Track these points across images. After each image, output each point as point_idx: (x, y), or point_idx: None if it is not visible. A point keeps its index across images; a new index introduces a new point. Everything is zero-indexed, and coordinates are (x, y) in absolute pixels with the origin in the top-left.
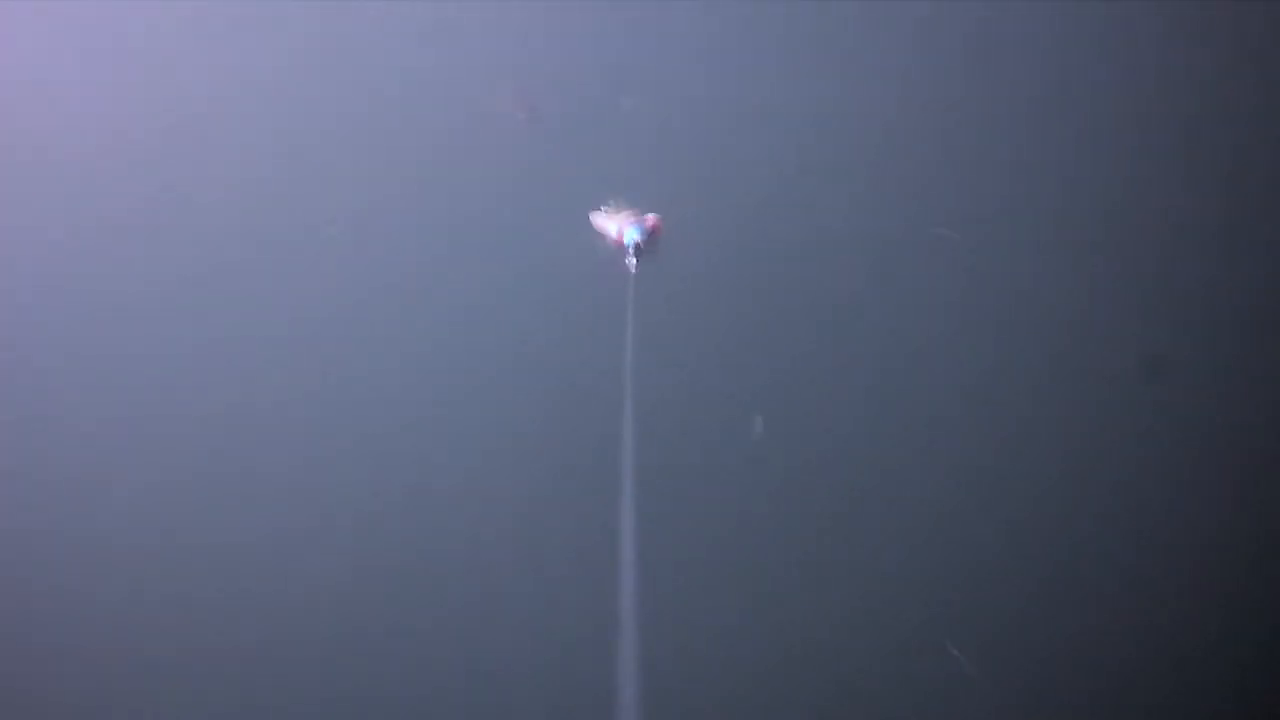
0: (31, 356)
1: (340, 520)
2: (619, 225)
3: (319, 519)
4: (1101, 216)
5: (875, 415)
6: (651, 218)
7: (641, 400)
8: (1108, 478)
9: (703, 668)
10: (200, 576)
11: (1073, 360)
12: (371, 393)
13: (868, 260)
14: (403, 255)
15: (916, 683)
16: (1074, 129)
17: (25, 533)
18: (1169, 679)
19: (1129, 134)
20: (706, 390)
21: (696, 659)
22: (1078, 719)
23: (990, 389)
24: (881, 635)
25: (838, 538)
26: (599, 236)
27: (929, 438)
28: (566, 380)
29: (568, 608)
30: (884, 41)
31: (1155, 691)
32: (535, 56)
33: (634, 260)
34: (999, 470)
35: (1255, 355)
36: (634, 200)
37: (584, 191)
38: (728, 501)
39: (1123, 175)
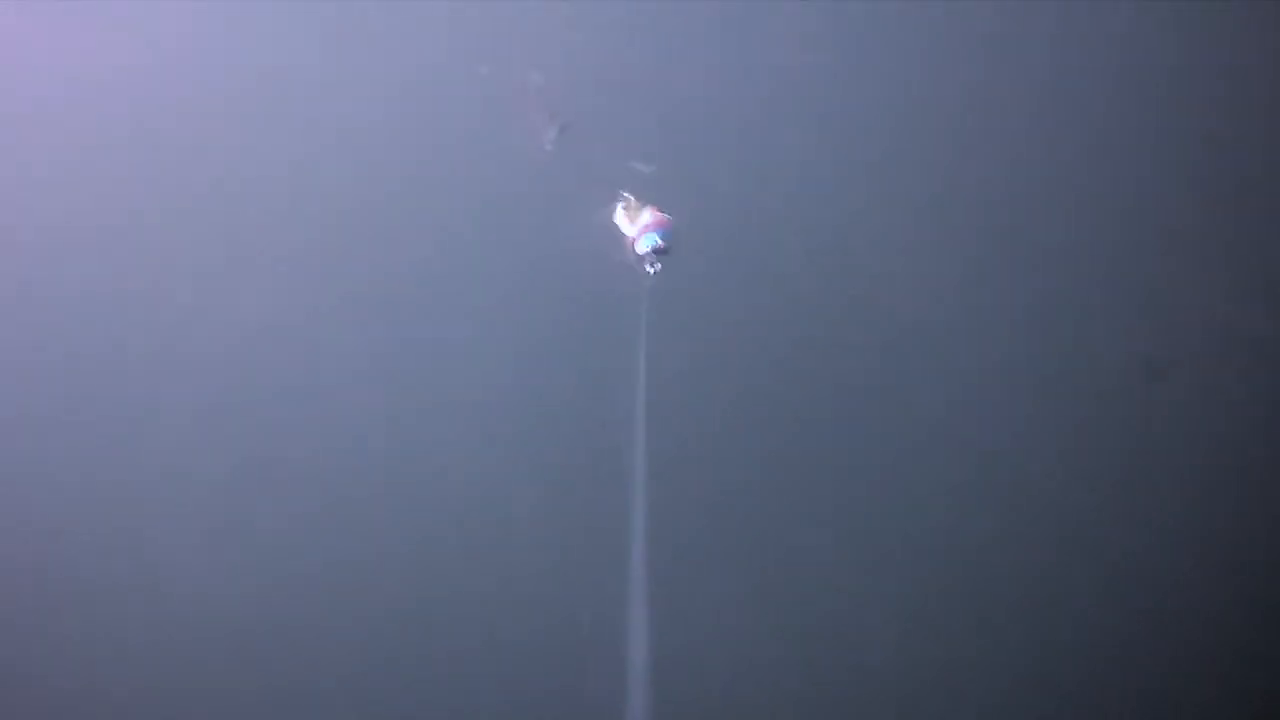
0: (31, 351)
1: (348, 515)
2: (634, 232)
3: (326, 514)
4: (1103, 217)
5: (881, 417)
6: (660, 217)
7: (654, 400)
8: (1109, 479)
9: (712, 667)
10: (207, 569)
11: (1078, 361)
12: (382, 394)
13: (874, 260)
14: (415, 253)
15: (921, 684)
16: (1075, 130)
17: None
18: (1168, 679)
19: (1130, 133)
20: (719, 391)
21: (705, 660)
22: (1077, 718)
23: (999, 390)
24: (884, 636)
25: (846, 538)
26: (617, 233)
27: (934, 439)
28: (579, 378)
29: (575, 612)
30: (894, 44)
31: (1154, 692)
32: (557, 60)
33: (650, 266)
34: (1006, 470)
35: (1257, 356)
36: (649, 197)
37: (600, 188)
38: (739, 502)
39: (1124, 175)
